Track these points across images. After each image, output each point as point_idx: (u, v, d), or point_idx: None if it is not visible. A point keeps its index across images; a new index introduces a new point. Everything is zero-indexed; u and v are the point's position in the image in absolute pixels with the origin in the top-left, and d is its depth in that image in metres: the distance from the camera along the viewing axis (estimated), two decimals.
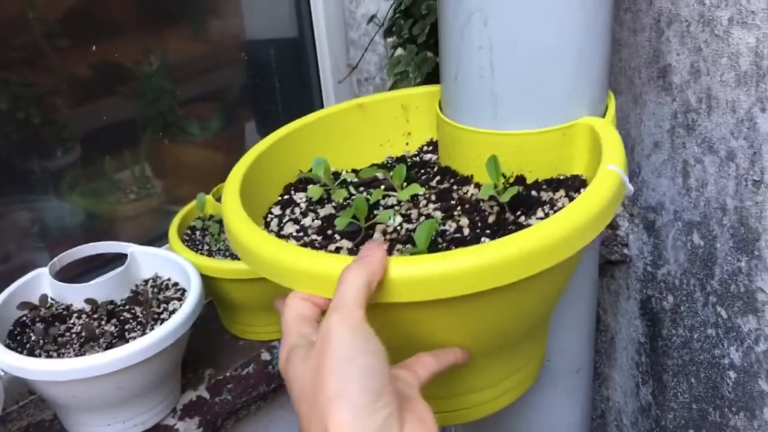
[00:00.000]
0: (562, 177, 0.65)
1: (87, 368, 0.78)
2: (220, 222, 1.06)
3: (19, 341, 0.86)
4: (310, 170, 0.72)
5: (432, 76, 0.93)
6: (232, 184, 0.64)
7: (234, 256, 1.01)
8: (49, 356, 0.83)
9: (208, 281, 0.95)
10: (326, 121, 0.74)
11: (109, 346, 0.85)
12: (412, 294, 0.49)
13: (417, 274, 0.49)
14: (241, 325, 1.06)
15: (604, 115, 0.67)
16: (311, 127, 0.74)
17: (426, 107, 0.76)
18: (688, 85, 0.72)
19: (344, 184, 0.71)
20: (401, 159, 0.77)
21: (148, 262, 0.98)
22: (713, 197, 0.73)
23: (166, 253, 0.97)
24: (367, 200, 0.66)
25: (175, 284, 0.96)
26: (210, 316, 1.09)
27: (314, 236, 0.64)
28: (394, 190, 0.67)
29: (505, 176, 0.64)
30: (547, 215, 0.60)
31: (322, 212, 0.67)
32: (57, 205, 1.06)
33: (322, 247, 0.61)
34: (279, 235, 0.64)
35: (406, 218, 0.64)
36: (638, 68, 0.77)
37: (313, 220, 0.66)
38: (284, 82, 1.24)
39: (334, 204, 0.69)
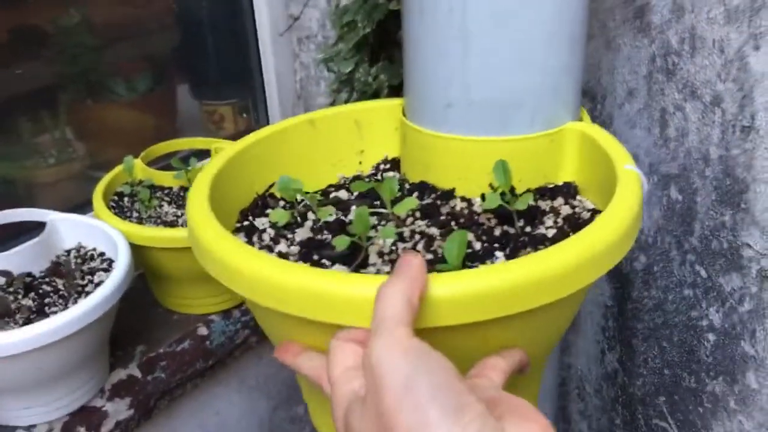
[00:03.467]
0: (552, 185, 0.60)
1: (2, 346, 0.67)
2: (151, 187, 0.97)
3: None
4: (266, 192, 0.64)
5: (384, 25, 0.83)
6: (199, 207, 0.53)
7: (167, 224, 0.91)
8: None
9: (138, 251, 0.85)
10: (275, 138, 0.65)
11: (27, 321, 0.75)
12: (461, 315, 0.42)
13: (473, 290, 0.41)
14: (175, 298, 0.97)
15: (580, 120, 0.62)
16: (260, 145, 0.64)
17: (380, 123, 0.69)
18: (669, 24, 0.64)
19: (306, 206, 0.62)
20: (357, 178, 0.69)
21: (71, 230, 0.87)
22: (694, 147, 0.65)
23: (90, 220, 0.87)
24: (345, 221, 0.58)
25: (101, 254, 0.86)
26: (141, 289, 0.99)
27: (300, 263, 0.54)
28: (376, 208, 0.59)
29: (492, 187, 0.58)
30: (556, 223, 0.56)
31: (297, 237, 0.58)
32: None
33: None
34: None
35: (400, 237, 0.56)
36: (612, 9, 0.69)
37: (289, 246, 0.57)
38: (218, 39, 1.13)
39: (308, 227, 0.59)
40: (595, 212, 0.56)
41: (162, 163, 1.02)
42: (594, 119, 0.74)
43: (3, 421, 0.78)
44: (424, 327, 0.41)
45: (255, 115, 1.18)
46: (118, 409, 0.84)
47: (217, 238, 0.49)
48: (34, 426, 0.78)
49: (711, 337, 0.69)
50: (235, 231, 0.60)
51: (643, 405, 0.80)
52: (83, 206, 0.99)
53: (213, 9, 1.12)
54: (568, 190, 0.59)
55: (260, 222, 0.61)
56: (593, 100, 0.74)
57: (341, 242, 0.52)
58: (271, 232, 0.59)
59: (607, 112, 0.73)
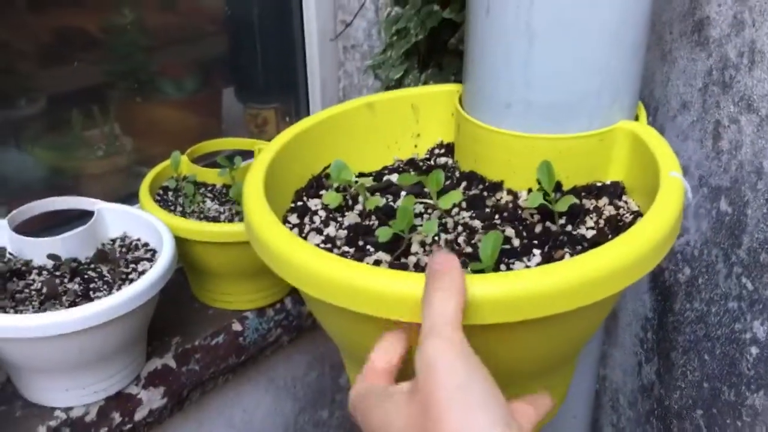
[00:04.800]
0: (600, 184, 0.60)
1: (48, 325, 0.67)
2: (195, 183, 0.97)
3: None
4: (321, 174, 0.64)
5: (435, 32, 0.83)
6: (255, 193, 0.54)
7: (209, 219, 0.91)
8: (5, 312, 0.72)
9: (180, 244, 0.85)
10: (334, 120, 0.66)
11: (73, 304, 0.74)
12: (500, 315, 0.43)
13: (515, 291, 0.42)
14: (212, 293, 0.96)
15: (636, 120, 0.62)
16: (319, 127, 0.65)
17: (437, 107, 0.69)
18: (728, 38, 0.64)
19: (361, 188, 0.62)
20: (411, 162, 0.69)
21: (117, 220, 0.87)
22: (747, 160, 0.65)
23: (136, 211, 0.87)
24: (393, 207, 0.59)
25: (146, 245, 0.86)
26: (179, 282, 0.98)
27: (345, 248, 0.55)
28: (423, 197, 0.58)
29: (539, 183, 0.57)
30: (597, 224, 0.55)
31: (346, 221, 0.58)
32: (17, 157, 0.94)
33: (357, 260, 0.53)
34: None
35: (443, 228, 0.56)
36: (670, 22, 0.69)
37: (337, 230, 0.57)
38: (266, 44, 1.14)
39: (357, 212, 0.59)
40: (637, 215, 0.56)
41: (206, 161, 1.02)
42: None
43: (42, 401, 0.78)
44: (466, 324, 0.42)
45: (297, 120, 1.19)
46: (152, 398, 0.84)
47: (268, 225, 0.49)
48: (71, 408, 0.78)
49: (754, 350, 0.68)
50: (289, 211, 0.60)
51: (679, 419, 0.78)
52: (128, 199, 0.99)
53: (263, 14, 1.12)
54: (615, 190, 0.59)
55: (313, 203, 0.61)
56: (645, 111, 0.74)
57: (383, 234, 0.53)
58: (322, 214, 0.59)
59: (659, 124, 0.72)
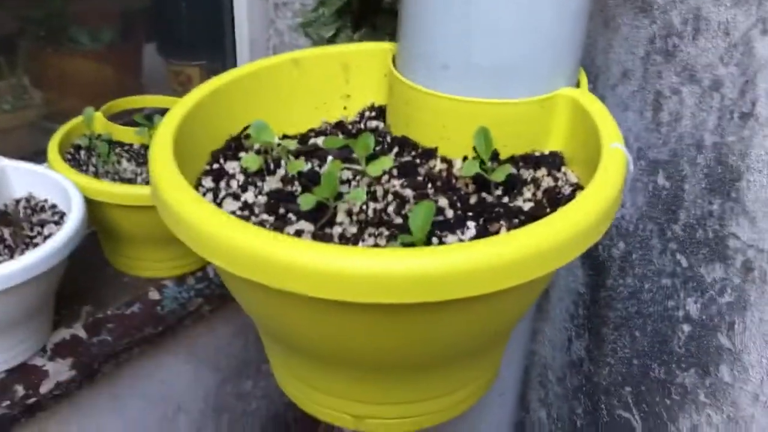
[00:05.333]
0: (539, 153, 0.57)
1: None
2: (110, 142, 0.91)
3: None
4: (240, 134, 0.59)
5: None
6: (162, 152, 0.48)
7: (125, 181, 0.85)
8: None
9: (93, 207, 0.79)
10: (256, 76, 0.61)
11: None
12: (430, 293, 0.39)
13: (446, 267, 0.39)
14: (127, 258, 0.91)
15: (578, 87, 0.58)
16: (240, 83, 0.59)
17: (369, 67, 0.64)
18: (673, 5, 0.61)
19: (283, 152, 0.57)
20: (339, 125, 0.64)
21: (21, 179, 0.81)
22: (687, 132, 0.63)
23: (43, 170, 0.81)
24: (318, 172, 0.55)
25: (53, 206, 0.80)
26: (91, 248, 0.92)
27: (264, 216, 0.50)
28: (351, 162, 0.54)
29: (476, 150, 0.54)
30: (534, 196, 0.53)
31: (266, 186, 0.53)
32: None
33: (277, 229, 0.48)
34: None
35: (371, 196, 0.52)
36: None
37: (256, 196, 0.52)
38: None
39: (279, 177, 0.55)
40: (577, 187, 0.53)
41: (123, 119, 0.95)
42: None
43: None
44: (376, 302, 0.39)
45: None
46: (60, 370, 0.79)
47: (176, 189, 0.45)
48: None
49: (686, 328, 0.67)
50: (204, 174, 0.55)
51: (607, 395, 0.77)
52: (37, 157, 0.92)
53: None
54: (554, 161, 0.56)
55: (231, 166, 0.56)
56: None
57: (306, 201, 0.49)
58: (240, 178, 0.54)
59: (599, 93, 0.70)
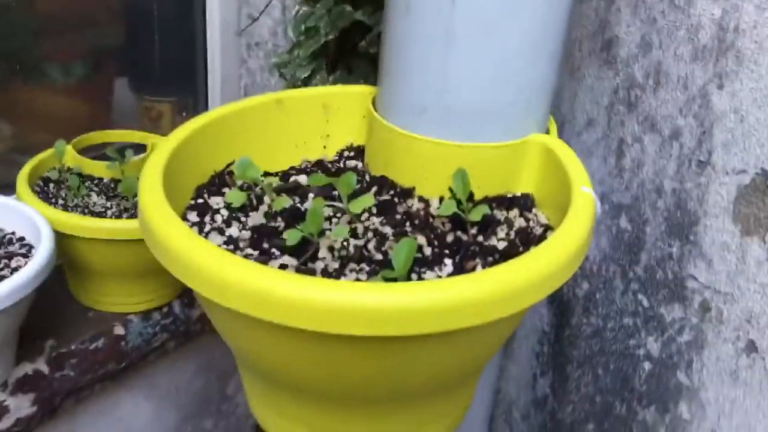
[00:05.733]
0: (511, 195, 0.59)
1: None
2: (80, 175, 0.90)
3: None
4: (224, 170, 0.60)
5: (347, 34, 0.81)
6: (152, 185, 0.50)
7: (94, 215, 0.85)
8: None
9: (60, 240, 0.79)
10: (241, 115, 0.62)
11: None
12: (407, 327, 0.41)
13: (427, 302, 0.40)
14: (93, 293, 0.90)
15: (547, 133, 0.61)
16: (225, 120, 0.61)
17: (349, 108, 0.67)
18: (635, 59, 0.65)
19: (268, 186, 0.58)
20: (319, 163, 0.66)
21: None
22: (649, 179, 0.66)
23: (12, 202, 0.81)
24: (300, 209, 0.56)
25: (21, 239, 0.80)
26: (56, 281, 0.91)
27: (248, 250, 0.51)
28: (332, 200, 0.56)
29: (452, 191, 0.56)
30: (508, 236, 0.54)
31: (250, 221, 0.55)
32: None
33: (262, 263, 0.49)
34: None
35: (352, 233, 0.54)
36: (580, 39, 0.69)
37: (240, 230, 0.53)
38: (166, 34, 1.08)
39: (262, 213, 0.56)
40: (547, 228, 0.56)
41: (93, 152, 0.95)
42: None
43: None
44: (351, 334, 0.40)
45: (195, 115, 1.13)
46: (20, 405, 0.78)
47: (166, 221, 0.46)
48: None
49: (647, 365, 0.69)
50: (189, 208, 0.56)
51: None
52: (3, 189, 0.91)
53: (164, 4, 1.07)
54: (525, 202, 0.58)
55: (215, 201, 0.57)
56: None
57: (292, 236, 0.50)
58: (224, 213, 0.55)
59: (564, 140, 0.72)
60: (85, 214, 0.85)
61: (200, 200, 0.56)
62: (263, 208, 0.56)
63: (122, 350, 0.89)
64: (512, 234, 0.54)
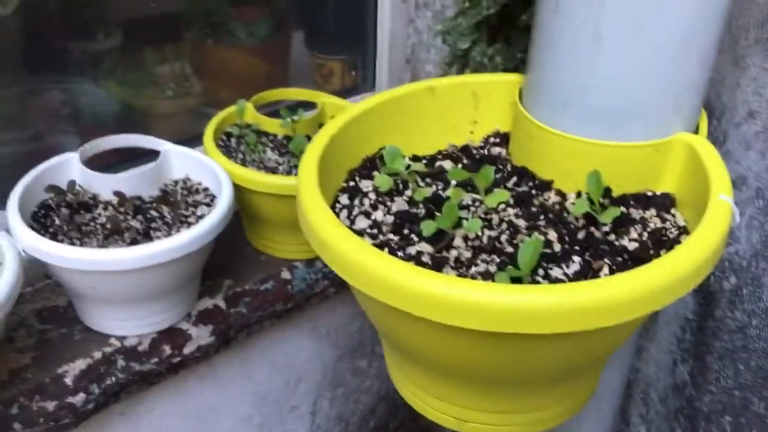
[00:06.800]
0: (650, 193, 0.60)
1: (110, 261, 0.72)
2: (258, 132, 0.99)
3: (42, 224, 0.79)
4: (376, 155, 0.65)
5: (508, 7, 0.82)
6: (308, 176, 0.56)
7: (268, 169, 0.94)
8: (71, 243, 0.77)
9: (238, 191, 0.88)
10: (396, 102, 0.67)
11: (134, 242, 0.79)
12: (530, 326, 0.45)
13: (541, 305, 0.44)
14: (265, 240, 1.00)
15: (696, 132, 0.61)
16: (381, 108, 0.66)
17: (497, 96, 0.70)
18: None
19: (412, 174, 0.64)
20: (465, 149, 0.70)
21: (181, 162, 0.91)
22: None
23: (200, 156, 0.90)
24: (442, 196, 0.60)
25: (206, 189, 0.90)
26: (234, 227, 1.01)
27: (390, 235, 0.57)
28: (473, 188, 0.60)
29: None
30: (641, 236, 0.56)
31: (394, 206, 0.60)
32: (92, 90, 0.99)
33: (400, 248, 0.55)
34: (352, 230, 0.58)
35: (487, 224, 0.58)
36: (746, 27, 0.67)
37: (384, 215, 0.59)
38: None
39: (405, 198, 0.61)
40: (683, 231, 0.56)
41: (270, 109, 1.04)
42: (709, 135, 0.73)
43: (99, 328, 0.83)
44: (486, 330, 0.44)
45: (363, 74, 1.20)
46: (201, 335, 0.89)
47: (317, 212, 0.52)
48: (125, 337, 0.83)
49: None
50: (341, 191, 0.62)
51: (707, 421, 0.80)
52: (193, 140, 1.03)
53: None
54: (664, 202, 0.59)
55: (365, 184, 0.63)
56: (710, 115, 0.73)
57: (428, 228, 0.55)
58: (372, 196, 0.61)
59: (723, 129, 0.72)
60: (259, 168, 0.94)
61: (352, 183, 0.63)
62: (407, 193, 0.62)
63: (288, 293, 0.99)
64: (645, 235, 0.56)
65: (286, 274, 0.98)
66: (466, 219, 0.57)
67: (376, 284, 0.47)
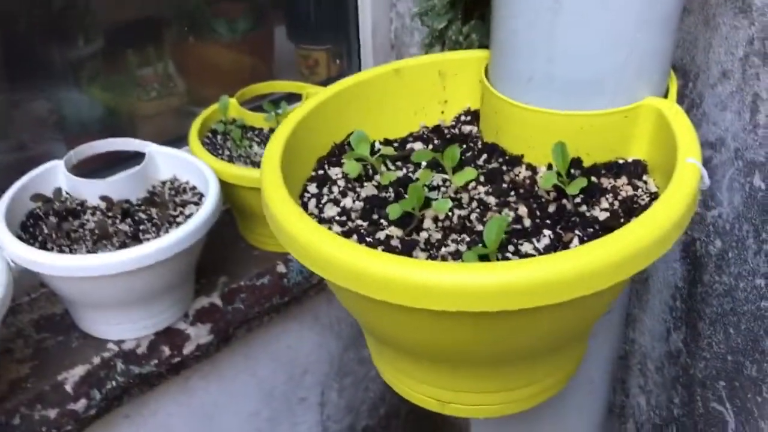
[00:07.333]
0: (621, 161, 0.60)
1: (99, 266, 0.73)
2: (243, 127, 1.00)
3: (31, 233, 0.81)
4: (344, 141, 0.66)
5: None
6: (271, 170, 0.56)
7: (255, 164, 0.94)
8: (61, 251, 0.79)
9: (227, 187, 0.89)
10: (361, 87, 0.67)
11: (123, 245, 0.80)
12: (501, 303, 0.45)
13: (506, 282, 0.44)
14: (258, 235, 1.01)
15: (666, 96, 0.60)
16: (346, 93, 0.66)
17: (464, 74, 0.70)
18: None
19: (381, 158, 0.64)
20: (436, 129, 0.70)
21: (167, 163, 0.91)
22: None
23: (185, 155, 0.91)
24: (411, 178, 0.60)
25: (193, 188, 0.90)
26: (227, 223, 1.03)
27: (359, 221, 0.57)
28: (443, 169, 0.60)
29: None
30: (611, 205, 0.56)
31: (363, 192, 0.60)
32: (76, 97, 1.00)
33: (369, 234, 0.55)
34: (320, 218, 0.58)
35: (457, 203, 0.58)
36: None
37: (353, 201, 0.60)
38: None
39: (375, 183, 0.62)
40: (654, 197, 0.56)
41: (255, 103, 1.05)
42: (684, 97, 0.73)
43: (98, 333, 0.85)
44: (454, 310, 0.44)
45: (348, 62, 1.20)
46: (200, 334, 0.90)
47: (281, 203, 0.52)
48: (123, 341, 0.84)
49: None
50: (309, 180, 0.63)
51: (703, 387, 0.80)
52: (179, 140, 1.03)
53: None
54: (636, 169, 0.59)
55: (334, 172, 0.63)
56: (685, 77, 0.73)
57: (394, 211, 0.55)
58: (341, 183, 0.62)
59: (698, 91, 0.71)
60: (246, 164, 0.94)
61: (320, 171, 0.63)
62: (377, 178, 0.62)
63: (284, 286, 0.99)
64: (616, 204, 0.56)
65: (281, 268, 0.99)
66: (436, 200, 0.57)
67: (342, 273, 0.47)
